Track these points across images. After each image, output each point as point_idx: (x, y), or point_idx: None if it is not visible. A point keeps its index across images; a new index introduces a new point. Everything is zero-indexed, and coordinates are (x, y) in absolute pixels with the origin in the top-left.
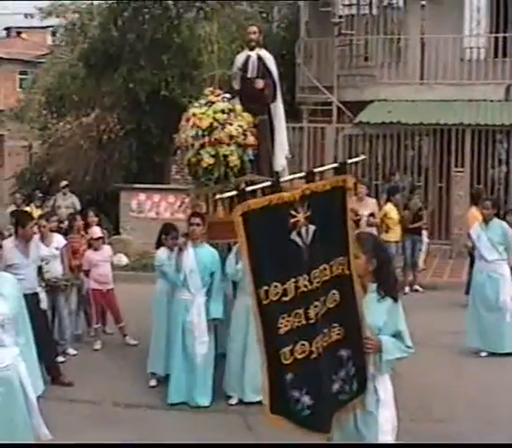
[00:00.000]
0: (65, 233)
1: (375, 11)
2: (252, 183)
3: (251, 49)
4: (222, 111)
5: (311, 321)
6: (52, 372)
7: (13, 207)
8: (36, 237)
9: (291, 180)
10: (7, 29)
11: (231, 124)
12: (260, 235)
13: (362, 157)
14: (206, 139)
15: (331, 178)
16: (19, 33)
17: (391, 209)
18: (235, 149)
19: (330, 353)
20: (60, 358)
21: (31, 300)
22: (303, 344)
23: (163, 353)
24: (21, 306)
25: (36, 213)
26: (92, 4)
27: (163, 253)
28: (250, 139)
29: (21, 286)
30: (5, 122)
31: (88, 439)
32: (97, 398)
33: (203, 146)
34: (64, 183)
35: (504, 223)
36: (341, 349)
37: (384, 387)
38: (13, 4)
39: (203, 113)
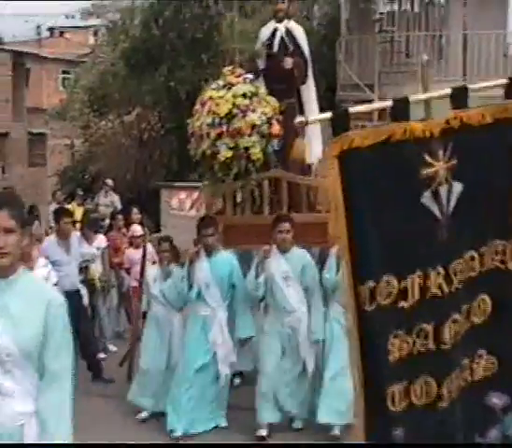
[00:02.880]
0: (106, 231)
1: (416, 8)
2: (277, 180)
3: (279, 20)
4: (244, 95)
5: (445, 346)
6: (93, 369)
7: (55, 205)
8: (77, 234)
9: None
10: (51, 29)
11: (253, 111)
12: (367, 193)
13: None
14: (224, 128)
15: (492, 106)
16: (62, 33)
17: None
18: (258, 140)
19: (472, 399)
20: (101, 355)
21: (73, 296)
22: (427, 383)
23: (153, 387)
24: (56, 330)
25: (78, 211)
26: (133, 3)
27: (151, 271)
28: (276, 128)
29: (63, 282)
30: (47, 121)
31: (129, 435)
32: None
33: (220, 136)
34: (110, 182)
35: None
36: (492, 393)
37: None
38: (58, 4)
39: (221, 97)
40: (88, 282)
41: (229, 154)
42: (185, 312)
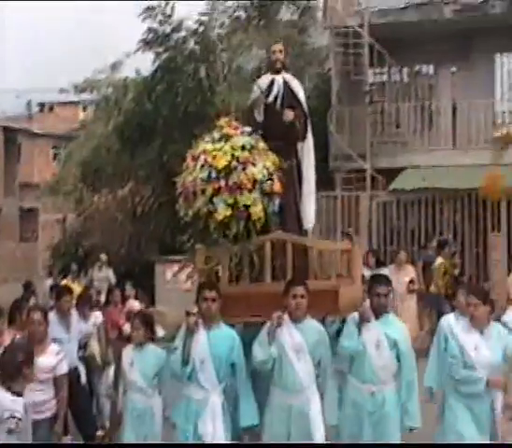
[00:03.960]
0: (103, 306)
1: (405, 78)
2: (281, 243)
3: (276, 71)
4: (243, 147)
5: None
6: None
7: (50, 281)
8: (75, 312)
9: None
10: (41, 104)
11: (254, 165)
12: None
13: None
14: (223, 183)
15: None
16: (51, 108)
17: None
18: (260, 198)
19: None
20: (99, 432)
21: (72, 375)
22: None
23: None
24: None
25: (74, 286)
26: (126, 78)
27: (127, 352)
28: (277, 185)
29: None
30: (40, 196)
31: None
32: None
33: (218, 191)
34: (104, 256)
35: None
36: None
37: None
38: (49, 79)
39: (218, 149)
40: (86, 359)
41: (228, 212)
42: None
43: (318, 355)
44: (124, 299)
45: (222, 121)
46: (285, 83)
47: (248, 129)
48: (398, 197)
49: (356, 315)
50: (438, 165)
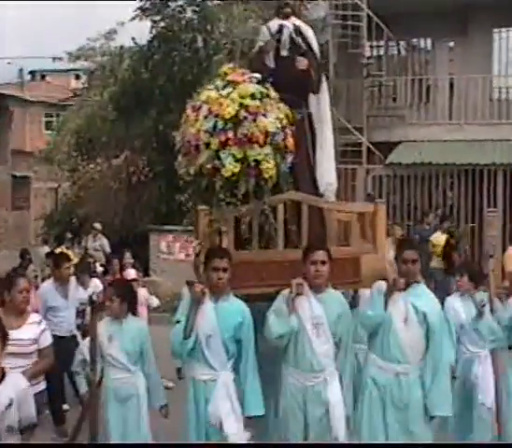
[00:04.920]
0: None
1: (403, 52)
2: (296, 204)
3: (285, 16)
4: (252, 96)
5: None
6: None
7: (46, 248)
8: (74, 279)
9: None
10: (32, 72)
11: (265, 116)
12: None
13: None
14: (230, 135)
15: None
16: (43, 76)
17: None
18: (272, 153)
19: None
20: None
21: (68, 342)
22: None
23: None
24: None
25: (69, 254)
26: (121, 47)
27: (104, 326)
28: (291, 141)
29: (61, 328)
30: (32, 164)
31: None
32: None
33: (225, 144)
34: (98, 225)
35: None
36: None
37: None
38: (43, 47)
39: (224, 96)
40: (84, 327)
41: (236, 169)
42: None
43: (339, 330)
44: (121, 268)
45: (226, 68)
46: (296, 30)
47: (257, 75)
48: (394, 171)
49: (382, 283)
50: (435, 140)
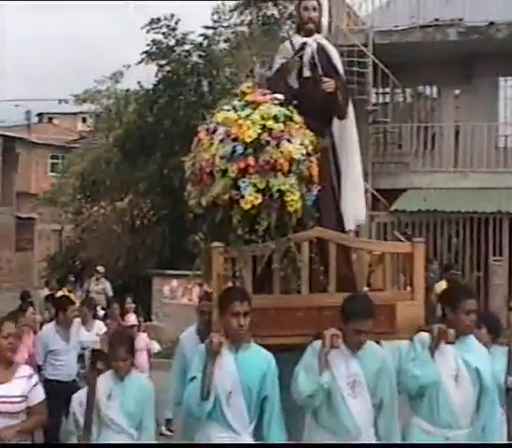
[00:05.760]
0: (103, 319)
1: (409, 99)
2: (319, 242)
3: (308, 33)
4: (275, 118)
5: None
6: None
7: (46, 291)
8: (77, 322)
9: None
10: (40, 115)
11: (289, 141)
12: None
13: None
14: (251, 161)
15: None
16: (50, 118)
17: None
18: (297, 183)
19: None
20: None
21: (69, 388)
22: None
23: None
24: None
25: (71, 297)
26: (127, 90)
27: (105, 383)
28: (316, 170)
29: (61, 372)
30: (37, 206)
31: None
32: None
33: (244, 172)
34: (101, 268)
35: None
36: None
37: None
38: (46, 90)
39: (244, 117)
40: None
41: (257, 200)
42: None
43: (379, 390)
44: (123, 313)
45: (244, 87)
46: (320, 49)
47: (280, 96)
48: (399, 218)
49: (425, 335)
50: (440, 187)
